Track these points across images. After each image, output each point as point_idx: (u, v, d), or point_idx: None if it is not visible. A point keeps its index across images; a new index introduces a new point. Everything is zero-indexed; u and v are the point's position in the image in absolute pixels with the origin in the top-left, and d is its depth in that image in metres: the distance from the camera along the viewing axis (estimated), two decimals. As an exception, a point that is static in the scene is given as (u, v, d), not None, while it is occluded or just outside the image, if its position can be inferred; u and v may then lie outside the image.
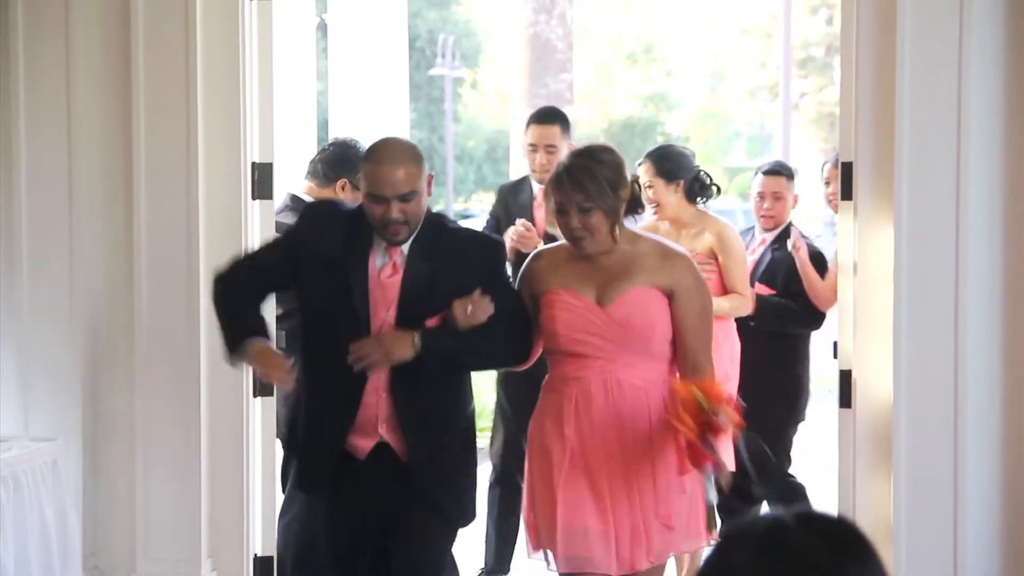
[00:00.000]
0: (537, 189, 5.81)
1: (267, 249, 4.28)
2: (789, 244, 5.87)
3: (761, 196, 6.07)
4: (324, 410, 4.12)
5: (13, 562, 4.79)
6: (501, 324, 4.05)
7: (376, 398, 4.07)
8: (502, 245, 4.30)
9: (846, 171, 5.02)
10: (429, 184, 4.06)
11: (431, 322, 4.02)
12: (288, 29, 6.30)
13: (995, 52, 4.86)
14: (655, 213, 5.64)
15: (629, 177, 4.06)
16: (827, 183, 6.12)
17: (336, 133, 7.12)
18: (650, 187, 5.55)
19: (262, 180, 5.25)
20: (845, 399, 5.03)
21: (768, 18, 31.01)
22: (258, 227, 5.25)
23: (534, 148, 5.80)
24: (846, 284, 5.07)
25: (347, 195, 5.30)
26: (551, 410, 4.11)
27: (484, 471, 5.03)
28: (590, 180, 3.97)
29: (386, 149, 4.01)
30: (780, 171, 6.17)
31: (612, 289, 4.02)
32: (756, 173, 6.23)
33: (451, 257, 4.05)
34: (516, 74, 16.72)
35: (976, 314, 4.86)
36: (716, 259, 5.57)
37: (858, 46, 4.94)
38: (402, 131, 7.38)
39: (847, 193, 5.03)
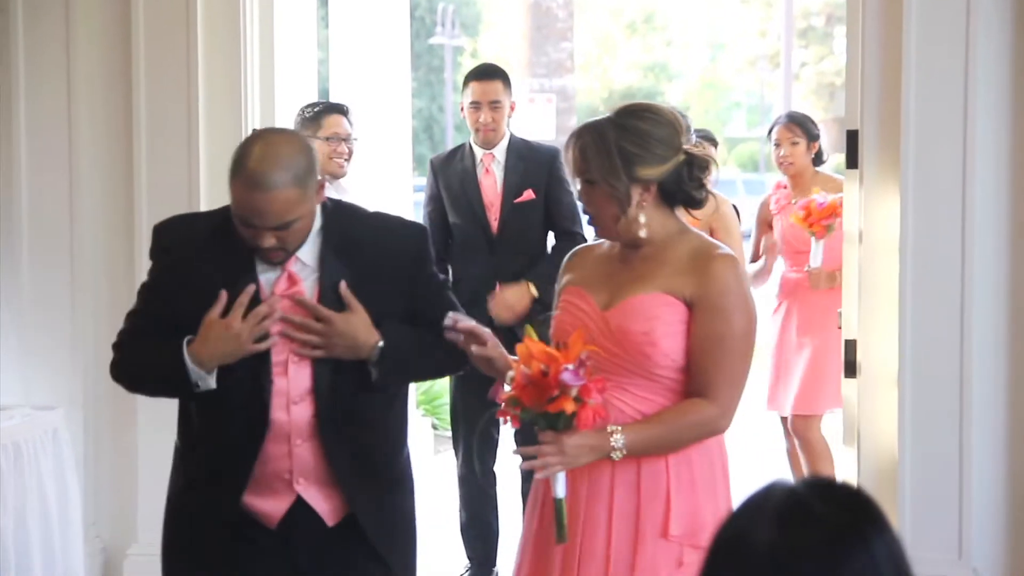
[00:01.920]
0: (481, 154, 5.68)
1: (144, 299, 3.36)
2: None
3: (777, 144, 6.28)
4: (212, 466, 3.26)
5: (13, 531, 4.78)
6: (437, 339, 3.27)
7: (287, 446, 3.20)
8: (425, 230, 3.52)
9: (851, 139, 4.99)
10: (320, 190, 3.21)
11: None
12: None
13: (1002, 19, 4.82)
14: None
15: (668, 153, 3.16)
16: (777, 145, 6.27)
17: (337, 100, 7.09)
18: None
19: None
20: (850, 369, 5.01)
21: (769, -13, 30.91)
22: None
23: (476, 106, 5.55)
24: (851, 253, 5.04)
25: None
26: None
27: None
28: (596, 148, 3.15)
29: (260, 168, 3.09)
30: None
31: (621, 292, 3.21)
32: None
33: (370, 251, 3.27)
34: (516, 43, 16.67)
35: (982, 283, 4.83)
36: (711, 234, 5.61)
37: (864, 12, 4.90)
38: (403, 100, 7.34)
39: (852, 161, 4.99)
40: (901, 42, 4.80)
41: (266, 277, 3.22)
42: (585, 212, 3.28)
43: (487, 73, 5.68)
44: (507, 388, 3.10)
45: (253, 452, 3.20)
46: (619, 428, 3.10)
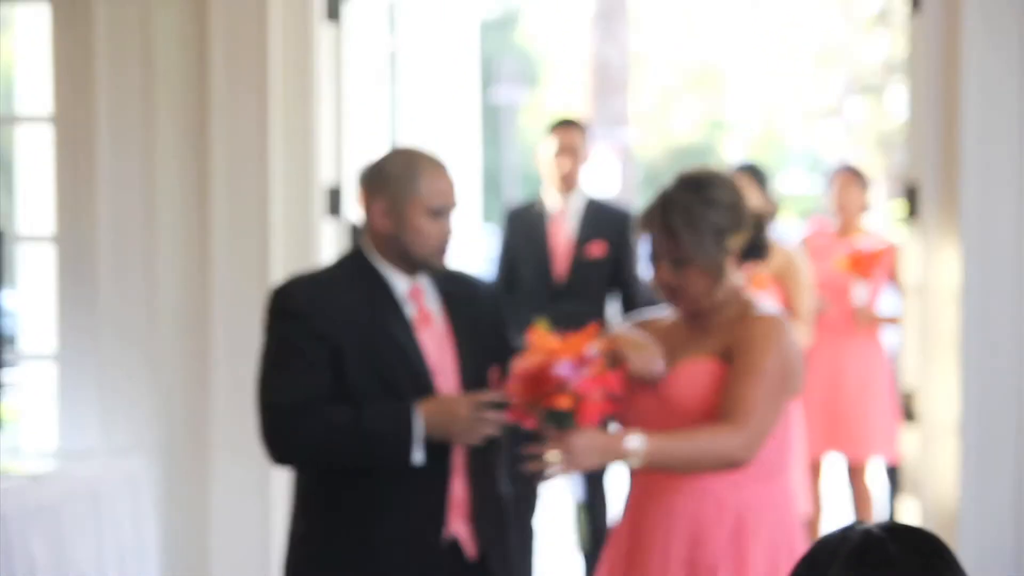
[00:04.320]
0: (554, 205, 5.75)
1: (301, 347, 3.30)
2: None
3: (834, 189, 6.47)
4: (402, 498, 3.28)
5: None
6: None
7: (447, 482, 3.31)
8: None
9: (911, 191, 5.04)
10: None
11: (492, 374, 3.34)
12: (359, 52, 6.38)
13: (1060, 73, 4.87)
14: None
15: (748, 218, 3.20)
16: (833, 189, 6.41)
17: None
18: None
19: (334, 201, 5.33)
20: (910, 417, 5.04)
21: (825, 42, 30.86)
22: (331, 249, 5.33)
23: (557, 152, 5.68)
24: (911, 303, 5.08)
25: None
26: (631, 500, 3.31)
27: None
28: (689, 228, 3.12)
29: (430, 157, 3.35)
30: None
31: (672, 359, 3.22)
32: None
33: (467, 291, 3.42)
34: (577, 98, 16.77)
35: (1043, 333, 4.85)
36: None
37: (925, 67, 4.97)
38: (472, 154, 7.44)
39: (912, 212, 5.04)
40: (959, 95, 4.86)
41: (407, 312, 3.32)
42: (666, 289, 3.23)
43: (567, 123, 5.84)
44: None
45: (444, 477, 3.27)
46: (639, 432, 3.04)
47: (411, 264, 3.35)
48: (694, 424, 3.10)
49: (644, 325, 3.36)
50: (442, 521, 3.27)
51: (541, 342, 2.99)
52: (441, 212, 3.31)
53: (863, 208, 6.47)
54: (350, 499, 3.31)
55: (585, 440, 2.98)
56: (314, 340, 3.26)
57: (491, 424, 3.20)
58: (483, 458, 3.31)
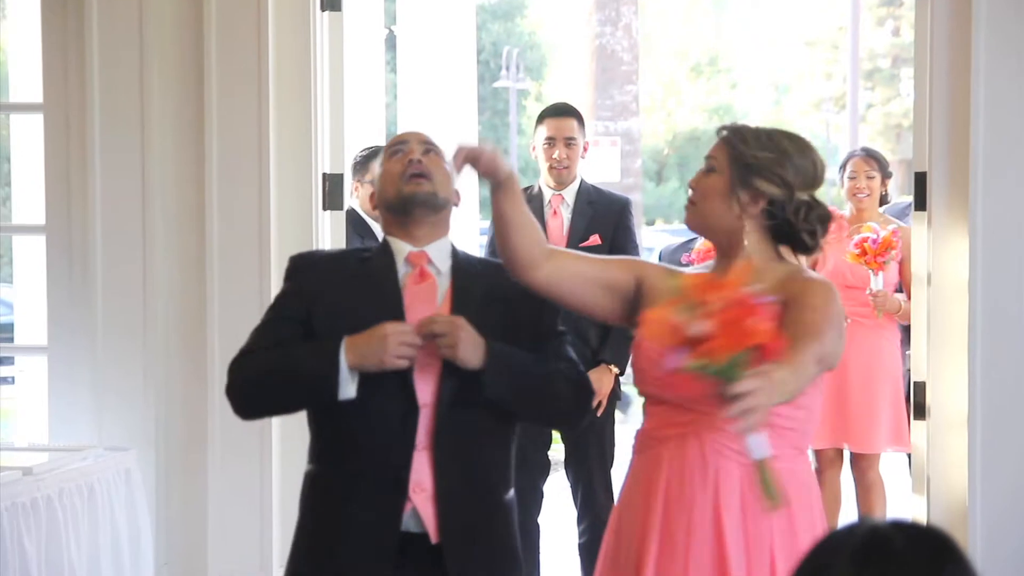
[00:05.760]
0: (550, 195, 5.67)
1: (274, 315, 3.36)
2: None
3: (852, 177, 6.32)
4: (359, 475, 3.24)
5: (87, 570, 4.83)
6: (559, 372, 3.29)
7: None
8: None
9: (920, 181, 4.98)
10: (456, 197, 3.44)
11: None
12: (357, 41, 6.33)
13: (1071, 60, 4.80)
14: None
15: (795, 184, 3.04)
16: (852, 177, 6.28)
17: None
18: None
19: (333, 191, 5.28)
20: (919, 411, 4.98)
21: (834, 29, 30.85)
22: (329, 237, 5.28)
23: (551, 142, 5.54)
24: (920, 295, 5.02)
25: (360, 193, 5.71)
26: (643, 477, 3.12)
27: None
28: (735, 143, 3.06)
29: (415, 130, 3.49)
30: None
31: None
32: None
33: (499, 283, 3.30)
34: (581, 86, 16.72)
35: (1053, 325, 4.80)
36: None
37: (932, 54, 4.90)
38: (470, 143, 7.40)
39: (921, 203, 4.98)
40: (969, 83, 4.79)
41: (410, 282, 3.28)
42: (690, 196, 3.15)
43: (562, 111, 5.69)
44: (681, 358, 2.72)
45: (407, 459, 3.18)
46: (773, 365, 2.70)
47: (396, 211, 3.33)
48: None
49: (667, 272, 3.22)
50: (401, 502, 3.19)
51: (697, 289, 2.71)
52: (397, 150, 3.35)
53: (880, 195, 6.33)
54: (321, 484, 3.33)
55: (777, 369, 2.69)
56: (292, 297, 3.33)
57: (409, 346, 3.13)
58: (457, 440, 3.21)
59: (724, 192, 3.06)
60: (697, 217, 3.13)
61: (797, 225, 3.05)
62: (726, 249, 3.14)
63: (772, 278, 3.01)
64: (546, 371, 3.27)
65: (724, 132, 3.12)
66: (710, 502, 2.99)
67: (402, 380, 3.19)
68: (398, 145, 3.37)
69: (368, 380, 3.17)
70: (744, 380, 2.62)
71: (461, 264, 3.35)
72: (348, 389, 3.17)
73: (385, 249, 3.35)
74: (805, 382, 2.87)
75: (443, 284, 3.31)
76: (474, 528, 3.24)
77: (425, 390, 3.21)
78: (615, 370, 5.51)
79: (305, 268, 3.38)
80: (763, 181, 3.03)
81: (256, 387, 3.29)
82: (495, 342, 3.18)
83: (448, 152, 3.30)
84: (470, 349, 3.13)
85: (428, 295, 3.27)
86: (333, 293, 3.29)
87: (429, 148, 3.35)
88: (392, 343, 3.13)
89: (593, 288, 3.21)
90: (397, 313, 3.23)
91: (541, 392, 3.27)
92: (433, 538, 3.21)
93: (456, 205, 3.41)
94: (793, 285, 3.00)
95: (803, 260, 3.18)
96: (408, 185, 3.29)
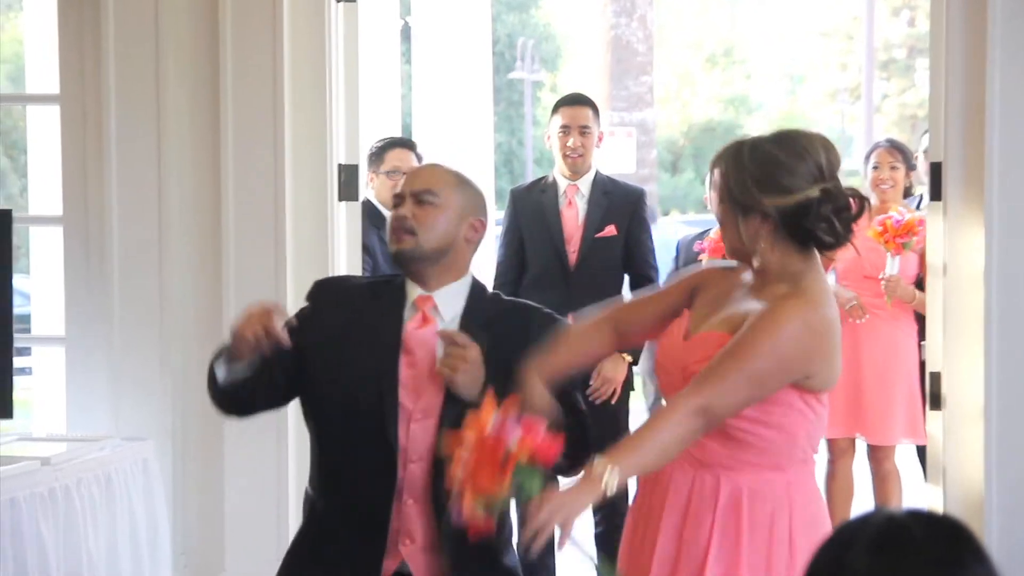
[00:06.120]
0: (564, 186, 5.67)
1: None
2: None
3: (876, 167, 6.27)
4: (334, 521, 3.22)
5: (104, 560, 4.85)
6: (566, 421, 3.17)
7: (399, 503, 3.17)
8: (565, 322, 3.45)
9: (935, 171, 4.96)
10: (473, 231, 3.33)
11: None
12: (372, 32, 6.34)
13: (1088, 50, 4.79)
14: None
15: (798, 187, 2.94)
16: (876, 167, 6.25)
17: (419, 135, 7.16)
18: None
19: (348, 182, 5.28)
20: (935, 402, 4.98)
21: (849, 20, 30.77)
22: (344, 229, 5.29)
23: (566, 130, 5.53)
24: (935, 285, 5.01)
25: (375, 184, 5.75)
26: (644, 482, 3.16)
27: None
28: (730, 169, 2.99)
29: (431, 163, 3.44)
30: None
31: (707, 319, 3.07)
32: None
33: (512, 329, 3.25)
34: (596, 77, 16.71)
35: (1069, 315, 4.79)
36: None
37: (947, 44, 4.89)
38: (485, 135, 7.40)
39: (936, 193, 4.97)
40: (985, 73, 4.78)
41: (411, 326, 3.23)
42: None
43: (577, 100, 5.70)
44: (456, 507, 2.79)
45: (386, 509, 3.14)
46: (601, 457, 2.81)
47: (395, 262, 3.35)
48: None
49: (723, 273, 3.18)
50: (380, 550, 3.15)
51: (463, 437, 2.79)
52: (398, 196, 3.30)
53: (904, 186, 6.30)
54: (311, 511, 3.32)
55: (559, 500, 2.79)
56: (299, 318, 3.32)
57: (263, 329, 3.07)
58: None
59: (733, 221, 3.01)
60: (731, 255, 3.09)
61: (806, 224, 2.96)
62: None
63: (771, 295, 2.99)
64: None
65: (719, 161, 3.06)
66: (661, 503, 3.05)
67: (385, 429, 3.15)
68: (400, 192, 3.31)
69: (353, 424, 3.16)
70: (532, 516, 2.71)
71: (472, 310, 3.27)
72: (220, 368, 3.19)
73: (400, 287, 3.30)
74: (731, 402, 2.89)
75: (447, 322, 3.26)
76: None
77: (423, 440, 3.17)
78: (628, 359, 5.52)
79: (321, 293, 3.36)
80: (763, 198, 2.96)
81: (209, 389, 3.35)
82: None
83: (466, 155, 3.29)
84: (468, 381, 3.10)
85: (426, 341, 3.21)
86: (335, 323, 3.25)
87: (424, 198, 3.25)
88: (251, 314, 3.09)
89: (664, 322, 3.21)
90: (392, 353, 3.19)
91: None
92: None
93: (471, 241, 3.31)
94: (767, 308, 2.95)
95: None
96: (393, 242, 3.26)
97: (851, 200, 2.99)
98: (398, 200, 3.28)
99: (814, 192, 2.95)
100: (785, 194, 2.94)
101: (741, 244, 3.01)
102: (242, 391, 3.26)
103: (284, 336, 3.11)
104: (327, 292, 3.37)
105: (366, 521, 3.16)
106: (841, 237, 2.98)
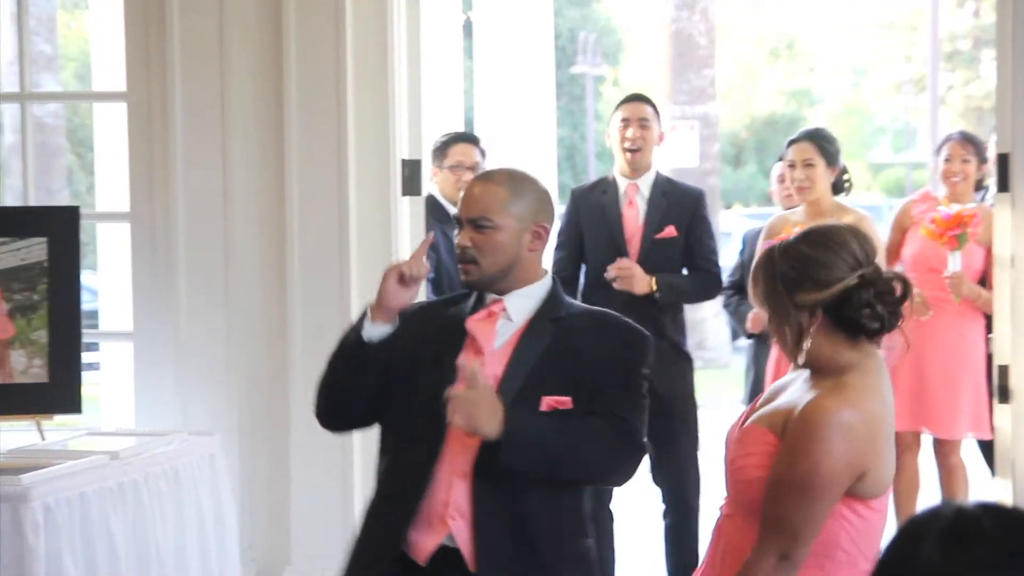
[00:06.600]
0: (625, 186, 5.64)
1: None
2: None
3: (948, 159, 6.18)
4: (384, 497, 3.30)
5: (173, 554, 4.88)
6: (610, 429, 3.19)
7: (448, 481, 3.21)
8: (650, 338, 3.38)
9: (1002, 162, 4.92)
10: (536, 240, 3.32)
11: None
12: (435, 28, 6.35)
13: None
14: (802, 190, 5.66)
15: (834, 279, 2.93)
16: (948, 160, 6.17)
17: (481, 131, 7.17)
18: (810, 165, 5.55)
19: (411, 177, 5.31)
20: (1004, 395, 4.93)
21: (912, 12, 30.49)
22: (408, 223, 5.31)
23: (626, 123, 5.56)
24: (1003, 277, 4.97)
25: (439, 179, 5.72)
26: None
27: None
28: (763, 275, 3.00)
29: (493, 170, 3.50)
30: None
31: (764, 406, 3.07)
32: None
33: (587, 338, 3.27)
34: (658, 71, 16.65)
35: None
36: None
37: (1013, 34, 4.84)
38: (548, 129, 7.40)
39: (1004, 185, 4.93)
40: (1053, 63, 4.73)
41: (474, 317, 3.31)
42: None
43: (637, 97, 5.77)
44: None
45: (423, 483, 3.19)
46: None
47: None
48: (740, 484, 2.98)
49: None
50: (407, 521, 3.20)
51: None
52: (458, 220, 3.32)
53: (976, 179, 6.22)
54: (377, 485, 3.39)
55: None
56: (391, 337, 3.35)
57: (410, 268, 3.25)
58: (497, 467, 3.14)
59: (782, 326, 2.99)
60: (790, 359, 3.06)
61: (848, 313, 2.93)
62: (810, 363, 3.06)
63: (817, 388, 2.95)
64: (571, 439, 3.18)
65: (752, 272, 3.07)
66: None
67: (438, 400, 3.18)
68: (457, 217, 3.34)
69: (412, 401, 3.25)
70: None
71: (542, 314, 3.29)
72: (368, 329, 3.26)
73: (480, 297, 3.35)
74: (804, 533, 2.88)
75: (512, 328, 3.29)
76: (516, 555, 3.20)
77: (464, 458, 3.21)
78: (654, 286, 5.45)
79: (402, 319, 3.36)
80: (800, 297, 2.94)
81: (321, 383, 3.39)
82: (518, 410, 3.13)
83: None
84: (484, 421, 3.09)
85: (487, 331, 3.27)
86: (416, 329, 3.33)
87: (480, 223, 3.26)
88: (391, 271, 3.25)
89: None
90: (458, 336, 3.27)
91: (562, 460, 3.18)
92: (471, 566, 3.19)
93: (534, 250, 3.31)
94: (804, 417, 2.91)
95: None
96: (461, 273, 3.33)
97: (894, 284, 2.95)
98: (459, 223, 3.31)
99: (852, 280, 2.93)
100: (824, 287, 2.92)
101: (794, 347, 2.98)
102: (353, 393, 3.34)
103: (426, 265, 3.29)
104: (410, 313, 3.37)
105: (403, 494, 3.22)
106: (886, 321, 2.94)
